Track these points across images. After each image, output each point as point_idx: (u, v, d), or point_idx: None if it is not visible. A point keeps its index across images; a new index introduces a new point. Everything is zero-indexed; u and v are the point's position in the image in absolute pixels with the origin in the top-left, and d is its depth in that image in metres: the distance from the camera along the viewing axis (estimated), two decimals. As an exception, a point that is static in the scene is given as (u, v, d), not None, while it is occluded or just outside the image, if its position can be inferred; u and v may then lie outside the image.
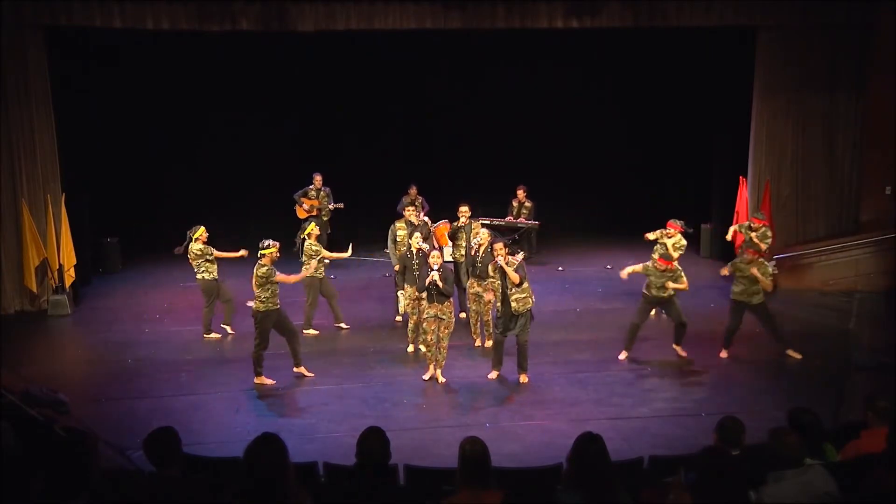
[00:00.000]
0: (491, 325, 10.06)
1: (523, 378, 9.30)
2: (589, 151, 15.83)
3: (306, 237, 10.76)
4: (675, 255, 10.21)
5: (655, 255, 10.11)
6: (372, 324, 11.42)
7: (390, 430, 4.63)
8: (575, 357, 10.04)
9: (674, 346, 10.01)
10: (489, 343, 10.11)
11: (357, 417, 8.28)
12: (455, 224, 11.20)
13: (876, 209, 13.04)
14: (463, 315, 11.36)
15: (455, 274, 11.33)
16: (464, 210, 11.17)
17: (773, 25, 12.68)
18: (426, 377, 9.36)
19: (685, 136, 15.45)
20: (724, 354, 10.05)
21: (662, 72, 15.06)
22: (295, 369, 9.46)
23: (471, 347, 10.41)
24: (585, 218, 16.22)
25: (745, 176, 13.12)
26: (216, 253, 10.63)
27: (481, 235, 10.09)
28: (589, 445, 4.26)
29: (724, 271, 10.12)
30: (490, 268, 9.31)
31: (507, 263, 8.92)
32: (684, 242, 10.92)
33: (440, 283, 9.01)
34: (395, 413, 8.54)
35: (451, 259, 11.71)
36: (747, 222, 11.48)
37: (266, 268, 9.04)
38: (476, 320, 10.46)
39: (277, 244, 9.26)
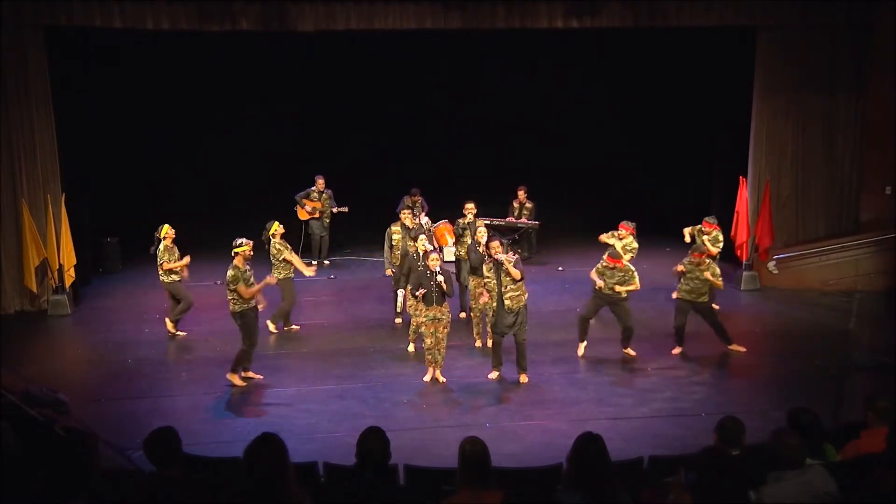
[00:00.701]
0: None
1: (523, 378, 9.30)
2: (589, 151, 15.83)
3: (271, 237, 10.72)
4: (627, 256, 10.27)
5: (605, 256, 10.12)
6: (372, 324, 11.43)
7: (390, 430, 4.63)
8: (575, 357, 10.04)
9: (624, 350, 10.03)
10: (490, 343, 10.11)
11: (357, 417, 8.28)
12: (460, 221, 11.20)
13: (876, 209, 13.04)
14: (463, 315, 11.37)
15: (457, 272, 11.35)
16: (469, 207, 11.18)
17: (773, 25, 12.67)
18: (426, 378, 9.36)
19: (685, 136, 15.45)
20: (676, 351, 10.09)
21: (662, 72, 15.06)
22: (242, 373, 9.38)
23: (471, 347, 10.41)
24: (585, 218, 16.18)
25: (745, 176, 13.11)
26: (176, 263, 10.68)
27: (480, 234, 10.08)
28: (589, 445, 4.26)
29: (679, 268, 10.05)
30: (485, 267, 9.28)
31: (506, 260, 8.94)
32: (636, 245, 10.95)
33: (444, 286, 9.01)
34: (395, 413, 8.54)
35: (453, 258, 11.71)
36: (699, 226, 11.48)
37: (234, 271, 9.00)
38: (480, 319, 10.45)
39: (251, 242, 9.25)
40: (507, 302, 9.02)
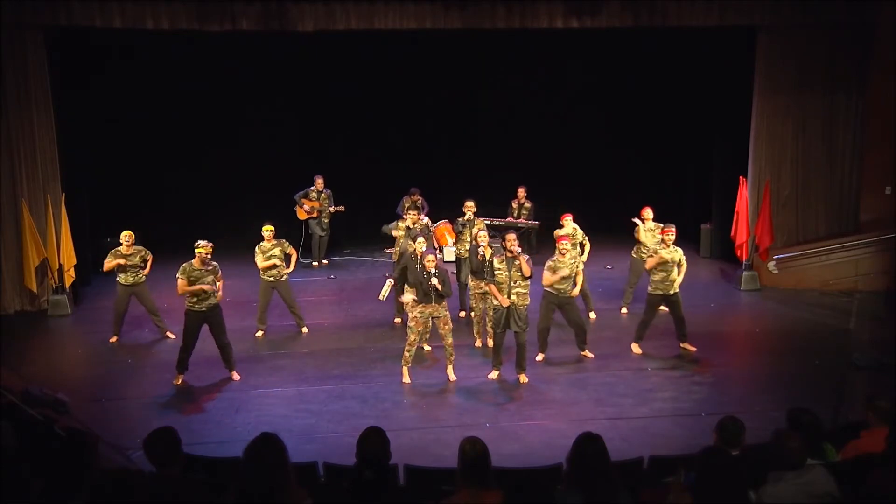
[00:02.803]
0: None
1: (523, 378, 9.30)
2: (588, 151, 15.82)
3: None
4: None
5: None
6: (372, 324, 11.43)
7: (390, 430, 4.64)
8: (575, 357, 10.04)
9: (581, 353, 9.98)
10: (490, 342, 10.11)
11: (357, 417, 8.29)
12: (460, 219, 11.19)
13: (876, 209, 13.03)
14: (462, 314, 11.37)
15: (457, 271, 11.33)
16: (469, 205, 11.17)
17: (773, 25, 12.67)
18: (405, 380, 9.32)
19: (685, 136, 15.45)
20: (637, 351, 10.10)
21: (662, 72, 15.06)
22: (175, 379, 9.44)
23: (471, 347, 10.40)
24: (585, 218, 16.18)
25: (745, 176, 13.11)
26: (121, 261, 10.60)
27: (481, 238, 9.98)
28: (589, 445, 4.26)
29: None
30: (496, 261, 9.19)
31: (521, 255, 8.94)
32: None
33: (440, 287, 9.01)
34: (395, 413, 8.54)
35: (452, 258, 11.69)
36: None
37: (185, 265, 9.10)
38: (480, 319, 10.43)
39: (210, 245, 9.19)
40: (513, 297, 9.01)
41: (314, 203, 14.20)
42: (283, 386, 9.31)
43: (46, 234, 11.72)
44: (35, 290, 12.00)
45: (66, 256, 11.80)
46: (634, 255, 11.59)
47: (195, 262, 9.13)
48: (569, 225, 11.04)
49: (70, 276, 12.00)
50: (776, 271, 12.95)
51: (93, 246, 13.67)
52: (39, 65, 11.65)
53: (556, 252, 9.68)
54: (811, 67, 12.87)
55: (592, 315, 11.40)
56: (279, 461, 3.99)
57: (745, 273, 12.85)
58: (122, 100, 14.34)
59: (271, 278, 10.72)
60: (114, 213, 14.30)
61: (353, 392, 9.08)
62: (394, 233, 11.27)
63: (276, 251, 10.67)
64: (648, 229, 11.42)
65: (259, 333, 10.93)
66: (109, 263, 10.59)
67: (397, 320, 11.34)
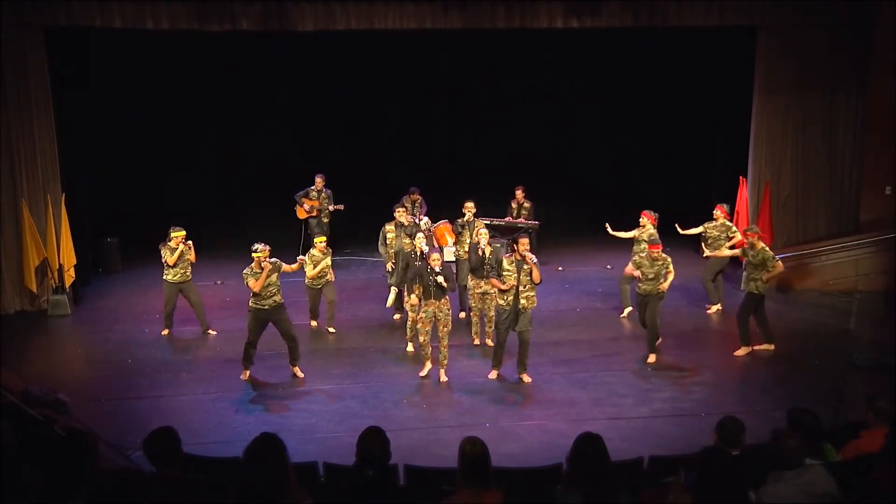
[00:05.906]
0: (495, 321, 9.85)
1: (526, 378, 9.29)
2: (589, 151, 15.82)
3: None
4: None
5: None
6: (371, 324, 11.43)
7: (390, 430, 4.64)
8: (575, 357, 10.04)
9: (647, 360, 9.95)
10: (489, 341, 10.11)
11: (357, 417, 8.30)
12: (460, 220, 11.19)
13: (876, 209, 13.03)
14: (462, 315, 11.36)
15: (457, 272, 11.33)
16: (469, 206, 11.17)
17: (773, 25, 12.68)
18: (423, 374, 9.36)
19: (685, 136, 15.45)
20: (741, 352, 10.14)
21: (662, 72, 15.06)
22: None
23: (471, 347, 10.40)
24: (585, 218, 16.20)
25: (745, 176, 13.11)
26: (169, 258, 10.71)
27: (482, 236, 10.02)
28: (589, 445, 4.26)
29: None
30: (505, 261, 9.16)
31: (532, 260, 8.95)
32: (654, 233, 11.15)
33: (444, 284, 9.01)
34: (395, 413, 8.54)
35: (453, 259, 11.68)
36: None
37: (247, 269, 9.30)
38: (478, 319, 10.44)
39: (266, 248, 9.26)
40: (522, 301, 9.00)
41: (314, 202, 14.19)
42: (284, 386, 9.31)
43: (46, 234, 11.72)
44: (35, 290, 11.99)
45: (66, 256, 11.80)
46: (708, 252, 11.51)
47: (254, 265, 9.18)
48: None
49: (70, 276, 11.99)
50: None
51: (93, 246, 13.69)
52: (39, 65, 11.64)
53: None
54: (811, 67, 12.88)
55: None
56: (279, 461, 3.99)
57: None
58: (122, 100, 14.33)
59: (319, 286, 10.87)
60: (114, 213, 14.34)
61: (353, 392, 9.08)
62: (381, 250, 11.32)
63: (328, 260, 10.80)
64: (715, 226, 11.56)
65: (314, 323, 11.15)
66: (174, 256, 10.63)
67: (396, 316, 11.36)
